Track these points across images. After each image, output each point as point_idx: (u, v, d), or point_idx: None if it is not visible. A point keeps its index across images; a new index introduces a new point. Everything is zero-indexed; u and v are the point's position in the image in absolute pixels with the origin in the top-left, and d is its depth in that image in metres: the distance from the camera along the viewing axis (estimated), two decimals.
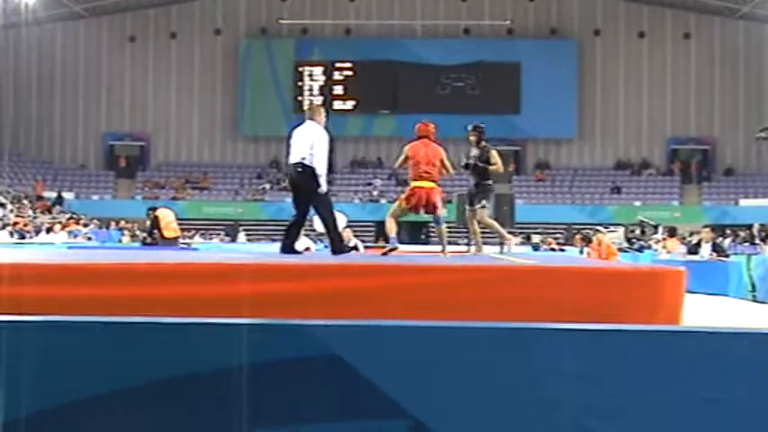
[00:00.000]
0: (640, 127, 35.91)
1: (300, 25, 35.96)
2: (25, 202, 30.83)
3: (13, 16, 30.99)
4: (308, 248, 13.13)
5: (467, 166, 9.21)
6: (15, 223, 24.79)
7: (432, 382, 2.73)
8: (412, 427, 2.70)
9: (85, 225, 26.55)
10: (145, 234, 16.69)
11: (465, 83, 35.37)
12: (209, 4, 36.34)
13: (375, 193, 34.09)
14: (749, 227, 27.48)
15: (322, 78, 35.87)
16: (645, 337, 2.83)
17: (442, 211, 8.52)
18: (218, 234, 28.96)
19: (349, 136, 36.02)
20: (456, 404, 2.72)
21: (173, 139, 37.06)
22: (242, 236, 28.80)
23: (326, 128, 7.91)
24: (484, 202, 9.20)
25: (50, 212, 30.52)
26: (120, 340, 2.78)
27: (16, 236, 22.22)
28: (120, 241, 23.28)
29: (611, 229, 21.54)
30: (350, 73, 35.65)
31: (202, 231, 29.30)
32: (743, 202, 33.16)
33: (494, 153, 9.18)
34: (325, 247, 19.16)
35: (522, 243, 26.61)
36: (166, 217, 14.93)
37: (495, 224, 9.35)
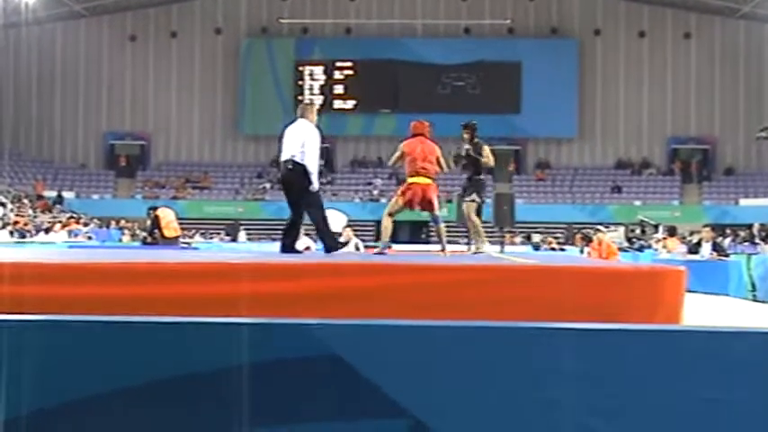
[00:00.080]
0: (641, 126, 35.92)
1: (301, 24, 35.97)
2: (25, 201, 30.85)
3: (14, 16, 31.00)
4: (308, 248, 13.13)
5: (457, 157, 9.26)
6: (16, 222, 24.80)
7: (432, 381, 2.73)
8: (412, 426, 2.70)
9: (86, 224, 26.58)
10: (145, 233, 16.70)
11: (465, 82, 35.37)
12: (210, 3, 36.36)
13: (375, 192, 34.09)
14: (749, 226, 27.49)
15: (322, 78, 35.88)
16: (645, 337, 2.83)
17: (439, 210, 8.52)
18: (219, 233, 28.96)
19: (349, 135, 36.08)
20: (456, 404, 2.72)
21: (173, 138, 37.07)
22: (242, 235, 28.80)
23: (318, 126, 7.91)
24: (474, 196, 9.26)
25: (51, 212, 30.54)
26: (121, 339, 2.78)
27: (17, 235, 22.24)
28: (120, 241, 23.30)
29: (612, 228, 21.54)
30: (350, 72, 35.67)
31: (203, 231, 29.31)
32: (743, 202, 33.16)
33: (485, 147, 9.28)
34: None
35: (522, 242, 26.64)
36: (167, 216, 14.93)
37: (478, 223, 9.36)
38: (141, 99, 36.60)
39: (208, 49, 36.35)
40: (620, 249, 17.47)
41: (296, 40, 36.10)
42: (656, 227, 22.01)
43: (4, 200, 28.37)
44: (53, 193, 33.46)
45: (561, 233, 28.63)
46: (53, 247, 15.65)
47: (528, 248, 23.56)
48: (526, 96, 35.11)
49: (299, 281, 5.03)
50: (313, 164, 7.63)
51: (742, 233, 27.77)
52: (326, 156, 35.12)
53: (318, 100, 35.55)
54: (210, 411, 2.72)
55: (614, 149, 36.25)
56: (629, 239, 21.02)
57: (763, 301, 11.97)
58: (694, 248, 15.59)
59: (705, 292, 12.18)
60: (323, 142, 8.08)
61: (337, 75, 35.78)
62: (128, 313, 3.14)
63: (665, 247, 18.72)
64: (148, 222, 15.54)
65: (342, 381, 2.72)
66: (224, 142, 36.93)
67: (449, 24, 35.60)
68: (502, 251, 11.83)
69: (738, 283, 12.99)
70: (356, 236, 15.49)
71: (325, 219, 7.97)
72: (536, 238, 27.49)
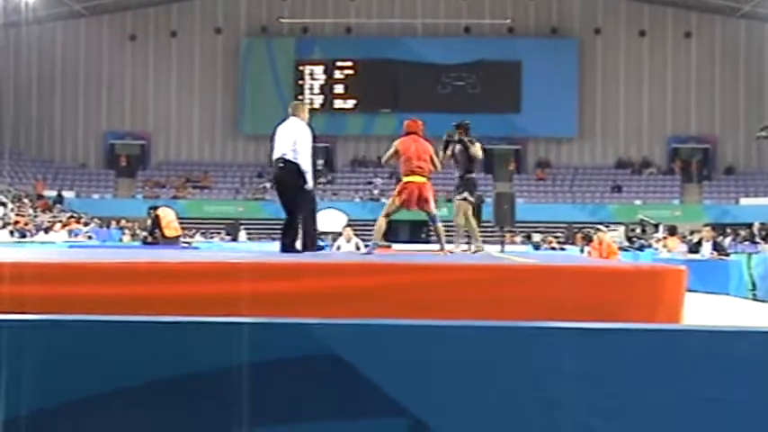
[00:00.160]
0: (641, 126, 35.91)
1: (301, 24, 35.96)
2: (26, 201, 30.85)
3: (14, 15, 30.99)
4: None
5: (447, 143, 9.29)
6: (16, 222, 24.81)
7: (432, 381, 2.73)
8: (412, 426, 2.70)
9: (86, 224, 26.58)
10: (146, 233, 16.70)
11: (466, 82, 35.37)
12: (210, 2, 36.35)
13: (376, 191, 34.09)
14: (749, 226, 27.47)
15: (323, 77, 35.88)
16: (645, 336, 2.83)
17: (436, 209, 8.52)
18: (219, 233, 28.95)
19: (350, 135, 36.08)
20: (456, 403, 2.72)
21: (173, 137, 37.07)
22: (243, 235, 28.79)
23: (310, 124, 7.90)
24: (465, 194, 9.28)
25: (51, 211, 30.54)
26: (121, 339, 2.78)
27: (17, 235, 22.24)
28: (120, 240, 23.29)
29: (612, 227, 21.53)
30: (350, 72, 35.66)
31: (203, 230, 29.31)
32: (743, 201, 33.16)
33: (475, 142, 9.34)
34: (326, 245, 19.17)
35: (522, 242, 26.64)
36: (167, 216, 14.94)
37: (461, 224, 9.38)
38: (141, 99, 36.60)
39: (208, 48, 36.35)
40: (621, 249, 17.47)
41: (296, 40, 36.09)
42: (656, 226, 22.01)
43: (4, 199, 28.37)
44: (53, 193, 33.45)
45: (561, 233, 28.62)
46: (53, 247, 15.66)
47: (528, 248, 23.56)
48: (526, 96, 35.10)
49: (299, 280, 5.03)
50: (306, 162, 7.60)
51: (742, 232, 27.75)
52: (327, 155, 35.16)
53: (319, 99, 35.62)
54: (210, 411, 2.72)
55: (614, 149, 36.24)
56: (629, 239, 21.02)
57: (763, 301, 11.97)
58: (695, 248, 15.58)
59: (705, 292, 12.19)
60: (316, 141, 8.06)
61: (337, 74, 35.78)
62: (128, 313, 3.14)
63: (665, 246, 18.72)
64: (149, 222, 15.54)
65: (342, 380, 2.72)
66: (224, 142, 36.93)
67: (449, 24, 35.59)
68: (502, 250, 11.83)
69: (739, 282, 12.99)
70: (356, 235, 15.51)
71: (313, 219, 7.94)
72: (536, 237, 27.48)
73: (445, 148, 9.34)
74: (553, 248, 22.68)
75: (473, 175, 9.46)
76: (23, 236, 22.15)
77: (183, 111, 36.55)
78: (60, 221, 25.82)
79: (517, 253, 13.16)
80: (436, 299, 4.90)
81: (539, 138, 36.18)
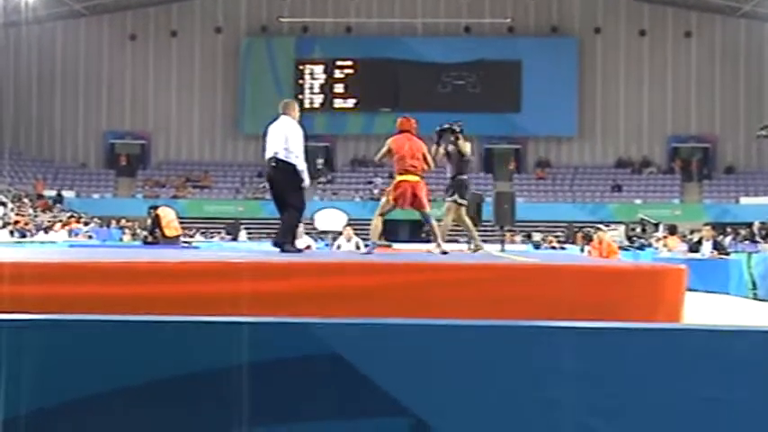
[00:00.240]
0: (641, 125, 35.90)
1: (301, 23, 35.95)
2: (26, 200, 30.85)
3: (14, 15, 30.99)
4: (308, 246, 13.13)
5: (439, 136, 9.29)
6: (16, 222, 24.81)
7: (432, 380, 2.73)
8: (412, 425, 2.70)
9: (86, 224, 26.57)
10: (146, 233, 16.69)
11: (466, 81, 35.36)
12: (210, 2, 36.35)
13: (376, 191, 34.05)
14: (750, 225, 27.43)
15: (323, 76, 35.87)
16: (645, 336, 2.83)
17: (429, 208, 8.51)
18: (219, 233, 28.95)
19: (350, 134, 36.08)
20: (456, 402, 2.72)
21: (173, 137, 37.07)
22: (243, 234, 28.77)
23: (300, 122, 7.88)
24: (455, 196, 9.30)
25: (51, 211, 30.54)
26: (121, 339, 2.78)
27: (17, 234, 22.24)
28: (120, 240, 23.29)
29: (612, 227, 21.53)
30: (351, 71, 35.66)
31: (203, 230, 29.30)
32: (743, 201, 33.15)
33: (466, 140, 9.39)
34: (327, 245, 19.17)
35: (523, 241, 26.63)
36: (167, 215, 14.93)
37: (449, 224, 9.37)
38: (141, 98, 36.59)
39: (208, 48, 36.34)
40: (621, 248, 17.45)
41: (296, 39, 36.08)
42: (656, 225, 21.99)
43: (4, 199, 28.38)
44: (53, 193, 33.45)
45: (562, 232, 28.61)
46: (53, 247, 15.66)
47: (528, 247, 23.57)
48: (526, 95, 35.10)
49: (299, 280, 5.04)
50: (300, 161, 7.59)
51: (742, 231, 27.73)
52: (327, 155, 35.18)
53: (319, 99, 35.62)
54: (210, 411, 2.72)
55: (615, 148, 36.23)
56: (629, 238, 21.00)
57: (763, 300, 11.96)
58: (695, 247, 15.58)
59: (706, 291, 12.19)
60: (308, 139, 8.03)
61: (337, 74, 35.77)
62: (128, 313, 3.14)
63: (665, 245, 18.72)
64: (149, 221, 15.52)
65: (342, 380, 2.72)
66: (224, 141, 36.93)
67: (449, 23, 35.58)
68: (502, 250, 11.83)
69: (739, 281, 12.99)
70: (357, 235, 15.50)
71: (297, 220, 7.91)
72: (536, 236, 27.46)
73: (437, 143, 9.33)
74: (553, 248, 22.68)
75: (465, 177, 9.46)
76: (23, 236, 22.15)
77: (183, 110, 36.54)
78: (60, 221, 25.83)
79: (517, 252, 13.15)
80: (436, 298, 4.91)
81: (539, 137, 36.18)
